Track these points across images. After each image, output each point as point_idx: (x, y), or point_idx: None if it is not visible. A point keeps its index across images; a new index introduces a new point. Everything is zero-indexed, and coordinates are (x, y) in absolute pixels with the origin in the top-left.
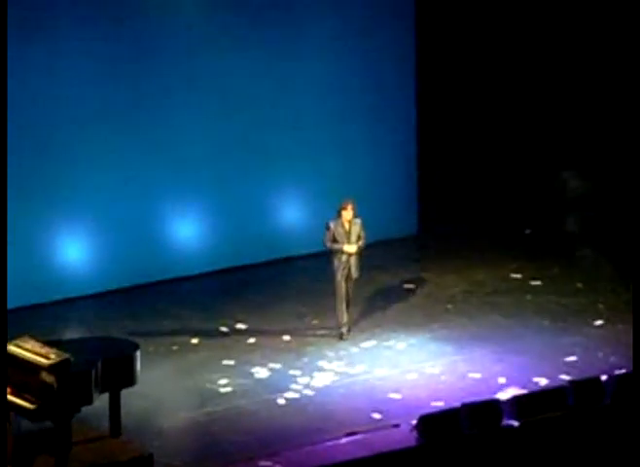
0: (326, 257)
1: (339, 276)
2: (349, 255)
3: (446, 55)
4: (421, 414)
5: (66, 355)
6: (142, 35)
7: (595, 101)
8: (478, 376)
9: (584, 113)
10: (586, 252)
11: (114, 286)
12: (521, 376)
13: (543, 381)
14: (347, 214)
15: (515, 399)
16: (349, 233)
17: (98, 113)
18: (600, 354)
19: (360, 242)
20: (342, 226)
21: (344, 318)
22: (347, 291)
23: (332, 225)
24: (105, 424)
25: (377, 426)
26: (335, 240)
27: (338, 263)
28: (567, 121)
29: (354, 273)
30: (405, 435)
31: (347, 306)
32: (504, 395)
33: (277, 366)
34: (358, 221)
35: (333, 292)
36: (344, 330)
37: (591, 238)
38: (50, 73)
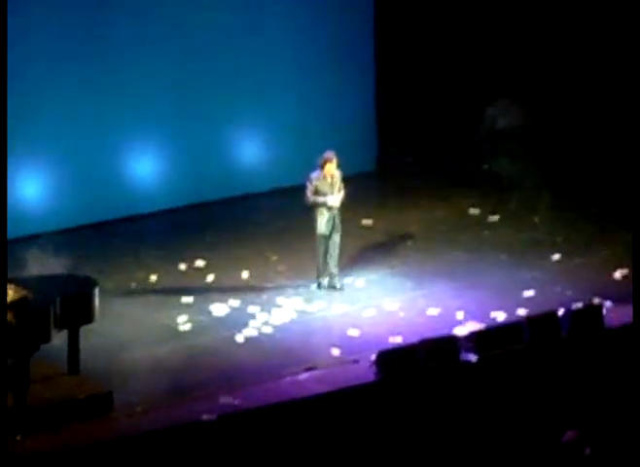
0: (286, 193)
1: (324, 230)
2: (333, 208)
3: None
4: (380, 350)
5: (24, 292)
6: None
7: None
8: (436, 311)
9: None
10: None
11: (72, 224)
12: (479, 310)
13: (501, 316)
14: (332, 167)
15: (474, 334)
16: (332, 186)
17: (58, 50)
18: (557, 289)
19: (341, 193)
20: (325, 179)
21: (324, 271)
22: (334, 244)
23: (314, 178)
24: (64, 362)
25: (336, 362)
26: (317, 194)
27: (322, 216)
28: (524, 52)
29: (339, 226)
30: (364, 370)
31: (337, 259)
32: (462, 330)
33: (236, 303)
34: (338, 173)
35: (315, 244)
36: (322, 280)
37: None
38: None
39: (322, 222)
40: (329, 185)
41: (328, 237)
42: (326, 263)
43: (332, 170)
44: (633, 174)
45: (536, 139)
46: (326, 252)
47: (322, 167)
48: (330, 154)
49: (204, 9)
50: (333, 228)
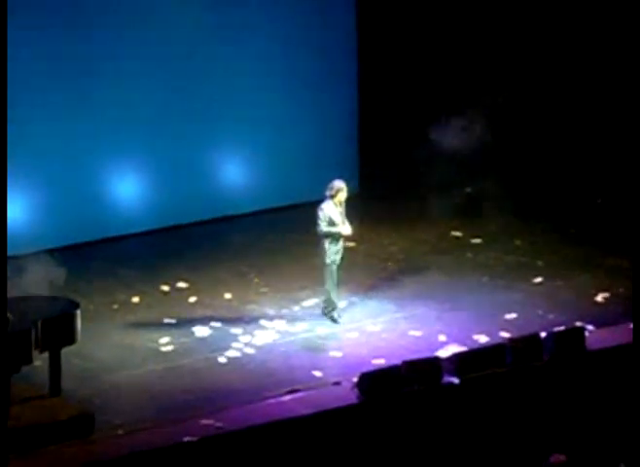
0: (268, 215)
1: (333, 259)
2: (343, 237)
3: (387, 16)
4: (362, 372)
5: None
6: None
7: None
8: (418, 333)
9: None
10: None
11: (53, 244)
12: (461, 333)
13: (483, 339)
14: (343, 196)
15: (456, 356)
16: (341, 215)
17: (39, 68)
18: (539, 311)
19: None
20: (336, 207)
21: (339, 302)
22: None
23: (326, 208)
24: (45, 383)
25: (318, 384)
26: (331, 224)
27: (334, 247)
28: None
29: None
30: (346, 392)
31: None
32: (444, 352)
33: (218, 324)
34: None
35: (325, 277)
36: (335, 314)
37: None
38: None
39: (333, 251)
40: (339, 214)
41: (338, 267)
42: (338, 292)
43: (342, 199)
44: (614, 192)
45: (505, 159)
46: (337, 281)
47: (333, 197)
48: (341, 183)
49: (188, 31)
50: (342, 256)
